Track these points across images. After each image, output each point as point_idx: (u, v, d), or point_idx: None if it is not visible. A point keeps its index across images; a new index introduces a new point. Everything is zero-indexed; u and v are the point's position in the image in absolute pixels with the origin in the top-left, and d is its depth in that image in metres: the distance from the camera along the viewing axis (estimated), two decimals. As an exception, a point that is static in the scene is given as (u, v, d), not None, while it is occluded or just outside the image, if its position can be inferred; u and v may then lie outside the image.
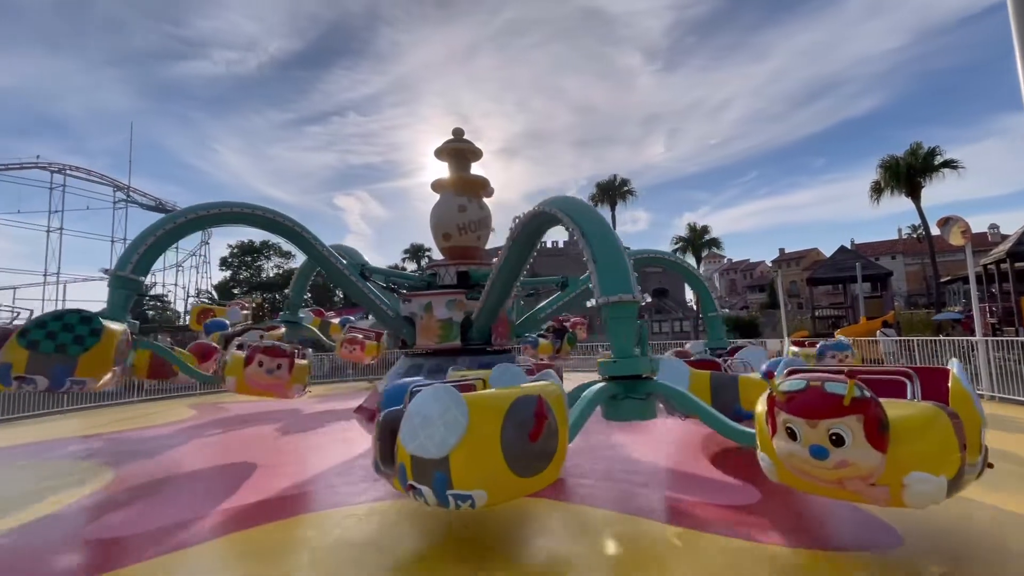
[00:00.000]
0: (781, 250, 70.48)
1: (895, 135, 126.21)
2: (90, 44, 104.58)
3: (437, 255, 11.71)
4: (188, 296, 48.36)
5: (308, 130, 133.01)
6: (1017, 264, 17.37)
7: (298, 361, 7.62)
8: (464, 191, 11.11)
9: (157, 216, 50.44)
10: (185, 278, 51.15)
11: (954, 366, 3.37)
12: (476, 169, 11.63)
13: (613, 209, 48.20)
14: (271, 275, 46.70)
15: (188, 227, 7.33)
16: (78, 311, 5.08)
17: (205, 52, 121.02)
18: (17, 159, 41.89)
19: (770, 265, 70.16)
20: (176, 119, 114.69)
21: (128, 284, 6.41)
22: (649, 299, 56.55)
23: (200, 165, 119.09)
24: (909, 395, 3.42)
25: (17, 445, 7.94)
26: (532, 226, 7.23)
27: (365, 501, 4.63)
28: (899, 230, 60.82)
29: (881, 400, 3.00)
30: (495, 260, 9.54)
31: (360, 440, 7.41)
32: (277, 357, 7.17)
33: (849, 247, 44.49)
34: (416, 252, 58.12)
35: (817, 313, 30.51)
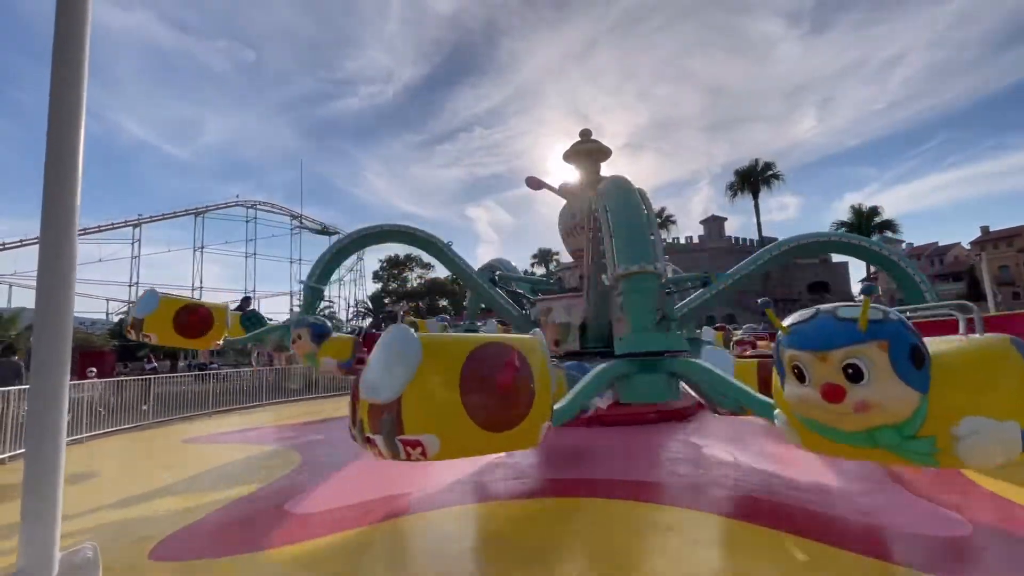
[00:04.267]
0: (984, 228, 57.48)
1: None
2: (265, 97, 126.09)
3: (566, 258, 11.74)
4: (349, 306, 55.05)
5: (439, 148, 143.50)
6: None
7: None
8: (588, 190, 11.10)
9: (324, 239, 58.67)
10: (346, 291, 58.36)
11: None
12: (605, 168, 11.45)
13: (756, 197, 43.86)
14: (414, 285, 51.14)
15: (351, 247, 9.82)
16: (399, 326, 7.11)
17: (352, 89, 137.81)
18: (224, 200, 51.99)
19: (968, 248, 57.70)
20: (332, 152, 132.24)
21: (314, 290, 9.07)
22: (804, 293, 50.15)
23: (352, 191, 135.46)
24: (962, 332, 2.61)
25: (231, 431, 9.77)
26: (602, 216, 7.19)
27: (507, 498, 4.77)
28: None
29: (930, 338, 2.36)
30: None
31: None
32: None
33: (1090, 218, 34.57)
34: (544, 256, 59.14)
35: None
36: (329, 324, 7.60)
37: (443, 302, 52.89)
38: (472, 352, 2.96)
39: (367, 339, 7.67)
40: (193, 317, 7.34)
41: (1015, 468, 5.15)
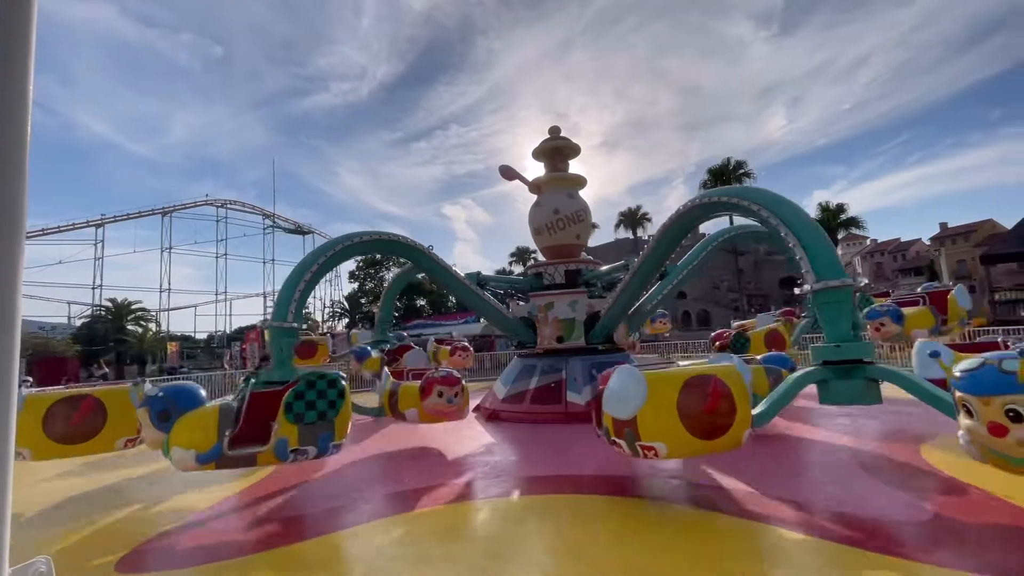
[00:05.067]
0: (943, 224, 59.97)
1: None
2: (234, 94, 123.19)
3: (541, 256, 11.69)
4: (324, 307, 54.20)
5: (415, 146, 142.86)
6: None
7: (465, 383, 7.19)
8: (559, 188, 10.98)
9: (299, 239, 57.58)
10: (321, 291, 57.46)
11: None
12: (575, 165, 11.44)
13: (728, 195, 44.75)
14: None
15: (326, 267, 7.40)
16: (323, 376, 5.16)
17: (324, 86, 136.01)
18: (192, 199, 50.57)
19: (928, 243, 60.21)
20: (305, 149, 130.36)
21: (289, 333, 6.56)
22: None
23: (326, 188, 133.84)
24: None
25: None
26: (689, 218, 6.95)
27: (487, 497, 4.77)
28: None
29: None
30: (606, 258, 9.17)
31: (479, 437, 7.67)
32: (454, 385, 6.83)
33: (1039, 214, 36.49)
34: (522, 255, 59.26)
35: (997, 297, 25.49)
36: (196, 391, 5.08)
37: (421, 301, 52.47)
38: (684, 384, 3.97)
39: (256, 402, 5.03)
40: (76, 415, 5.53)
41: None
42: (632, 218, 54.84)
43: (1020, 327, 12.44)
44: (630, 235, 55.12)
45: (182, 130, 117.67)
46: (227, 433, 4.66)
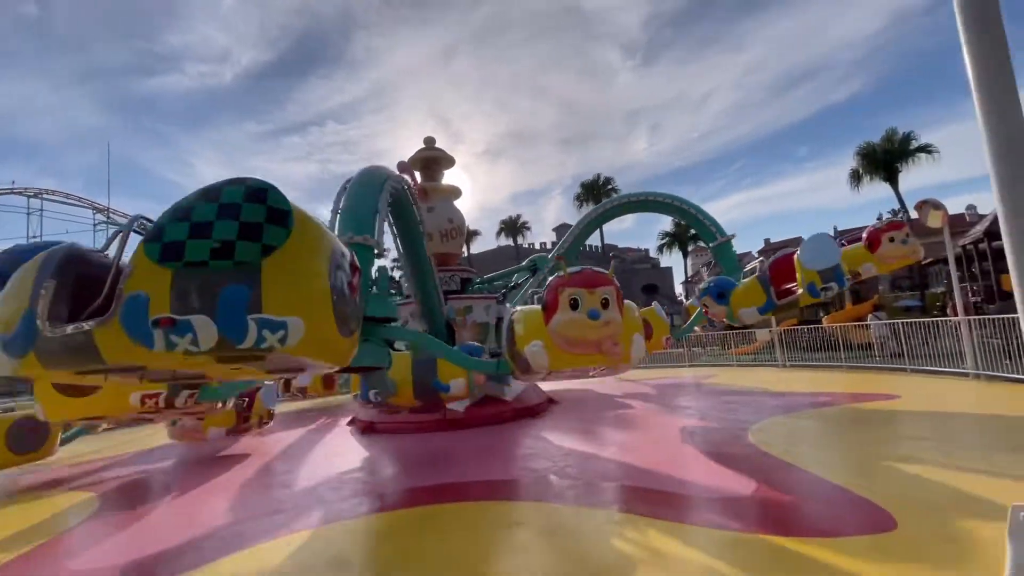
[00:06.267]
0: (766, 240, 71.22)
1: (876, 119, 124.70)
2: (54, 64, 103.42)
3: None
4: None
5: (286, 141, 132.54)
6: (995, 243, 17.63)
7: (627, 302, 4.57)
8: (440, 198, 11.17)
9: (138, 237, 49.70)
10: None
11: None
12: (456, 173, 11.76)
13: (599, 208, 48.44)
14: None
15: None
16: (241, 180, 2.68)
17: (178, 66, 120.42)
18: (-9, 185, 41.02)
19: (756, 256, 70.89)
20: (150, 134, 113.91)
21: (370, 253, 4.51)
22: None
23: (177, 180, 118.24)
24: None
25: (6, 475, 7.73)
26: (611, 213, 10.30)
27: (369, 513, 4.57)
28: (879, 215, 61.70)
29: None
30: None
31: (354, 452, 7.32)
32: (596, 287, 3.75)
33: (832, 234, 45.03)
34: (404, 260, 57.79)
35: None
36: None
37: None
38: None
39: None
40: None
41: (800, 441, 6.44)
42: (513, 226, 56.55)
43: (815, 323, 15.30)
44: (511, 243, 56.77)
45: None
46: (45, 294, 2.47)
